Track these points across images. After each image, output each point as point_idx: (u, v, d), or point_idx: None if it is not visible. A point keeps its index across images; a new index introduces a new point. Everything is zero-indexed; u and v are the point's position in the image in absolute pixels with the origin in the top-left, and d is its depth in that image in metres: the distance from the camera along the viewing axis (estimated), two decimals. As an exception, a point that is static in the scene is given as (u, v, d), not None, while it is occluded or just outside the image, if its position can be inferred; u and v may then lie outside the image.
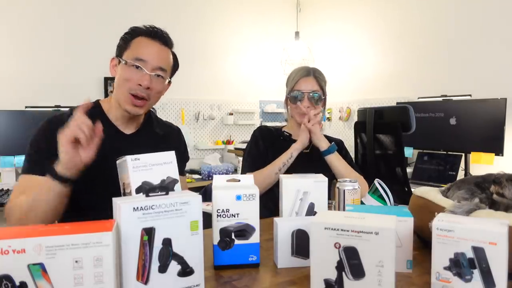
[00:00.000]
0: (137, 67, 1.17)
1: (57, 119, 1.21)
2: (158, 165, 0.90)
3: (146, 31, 1.21)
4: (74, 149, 1.01)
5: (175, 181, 0.78)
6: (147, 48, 1.19)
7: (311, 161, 1.64)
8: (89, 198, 1.18)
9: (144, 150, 1.21)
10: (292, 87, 1.67)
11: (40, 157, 1.16)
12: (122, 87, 1.19)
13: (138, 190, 0.87)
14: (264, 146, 1.67)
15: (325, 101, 1.72)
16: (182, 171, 1.47)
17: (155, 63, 1.18)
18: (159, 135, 1.34)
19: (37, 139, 1.19)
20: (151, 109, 1.38)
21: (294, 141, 1.65)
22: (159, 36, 1.22)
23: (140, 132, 1.30)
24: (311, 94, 1.63)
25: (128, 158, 0.88)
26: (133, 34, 1.22)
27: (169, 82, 1.30)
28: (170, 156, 0.92)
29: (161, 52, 1.21)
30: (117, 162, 0.93)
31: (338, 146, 1.70)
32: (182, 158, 1.45)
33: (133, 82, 1.17)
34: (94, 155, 1.18)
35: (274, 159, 1.60)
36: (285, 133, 1.73)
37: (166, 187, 0.76)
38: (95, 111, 1.25)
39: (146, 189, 0.76)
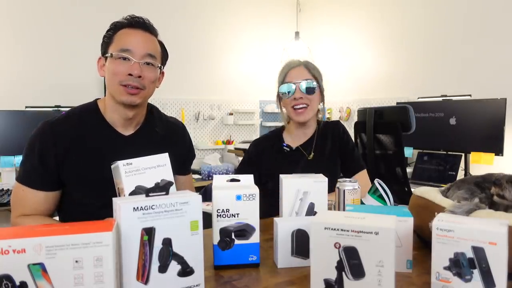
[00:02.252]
0: (124, 58, 1.13)
1: (51, 126, 1.17)
2: (152, 168, 0.89)
3: (127, 22, 1.18)
4: None
5: (170, 183, 0.78)
6: (131, 37, 1.16)
7: (314, 166, 1.52)
8: (89, 202, 1.17)
9: (144, 151, 1.19)
10: (282, 81, 1.54)
11: (35, 171, 1.15)
12: (113, 81, 1.15)
13: (132, 195, 0.86)
14: (252, 170, 1.41)
15: (323, 94, 1.59)
16: (187, 170, 1.43)
17: (142, 51, 1.15)
18: (160, 135, 1.29)
19: (32, 149, 1.16)
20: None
21: (296, 153, 1.57)
22: (141, 25, 1.19)
23: (140, 133, 1.25)
24: (302, 83, 1.50)
25: (120, 163, 0.87)
26: (115, 29, 1.19)
27: (162, 71, 1.26)
28: (163, 159, 0.91)
29: (146, 39, 1.18)
30: (112, 167, 0.93)
31: (337, 129, 1.63)
32: (187, 156, 1.41)
33: (122, 73, 1.13)
34: (93, 162, 1.17)
35: (273, 171, 1.45)
36: (284, 147, 1.60)
37: (165, 187, 0.76)
38: (91, 114, 1.22)
39: (140, 193, 0.75)
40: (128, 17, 1.19)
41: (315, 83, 1.53)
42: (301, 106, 1.52)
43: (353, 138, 2.59)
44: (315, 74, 1.55)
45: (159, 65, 1.21)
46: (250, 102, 4.13)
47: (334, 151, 1.61)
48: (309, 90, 1.51)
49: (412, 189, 1.98)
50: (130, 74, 1.13)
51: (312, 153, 1.59)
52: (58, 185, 1.18)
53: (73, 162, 1.16)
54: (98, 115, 1.21)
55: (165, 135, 1.30)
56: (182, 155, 1.36)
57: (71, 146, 1.16)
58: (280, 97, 1.58)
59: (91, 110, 1.23)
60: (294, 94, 1.51)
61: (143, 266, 0.71)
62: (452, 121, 2.77)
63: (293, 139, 1.62)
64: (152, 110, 1.32)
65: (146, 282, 0.71)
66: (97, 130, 1.20)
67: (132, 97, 1.15)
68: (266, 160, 1.60)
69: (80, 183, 1.18)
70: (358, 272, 0.70)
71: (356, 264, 0.70)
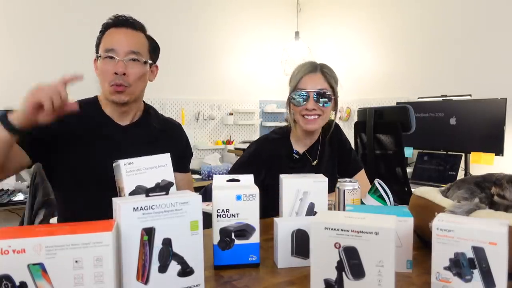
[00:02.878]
0: (110, 57, 1.19)
1: None
2: (153, 168, 0.89)
3: (112, 22, 1.24)
4: (35, 110, 0.97)
5: (170, 184, 0.78)
6: (115, 36, 1.21)
7: (318, 171, 1.41)
8: (87, 193, 1.20)
9: (141, 142, 1.23)
10: (295, 86, 1.44)
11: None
12: (103, 81, 1.22)
13: (132, 195, 0.86)
14: (251, 170, 1.32)
15: (336, 102, 1.50)
16: (185, 168, 1.45)
17: (125, 48, 1.19)
18: (157, 129, 1.33)
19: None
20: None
21: (302, 158, 1.51)
22: (124, 22, 1.24)
23: (137, 124, 1.30)
24: (316, 93, 1.40)
25: (121, 162, 0.87)
26: (104, 30, 1.25)
27: (155, 65, 1.31)
28: (165, 159, 0.91)
29: (129, 36, 1.22)
30: (113, 165, 0.93)
31: (334, 129, 1.56)
32: (184, 154, 1.43)
33: (109, 73, 1.19)
34: (91, 150, 1.18)
35: (277, 176, 1.21)
36: (294, 155, 1.52)
37: (165, 187, 0.76)
38: (91, 105, 1.28)
39: (140, 193, 0.75)
40: (113, 16, 1.25)
41: (330, 93, 1.43)
42: (312, 117, 1.43)
43: (353, 138, 2.62)
44: (331, 82, 1.45)
45: (145, 60, 1.24)
46: (250, 102, 4.13)
47: (333, 152, 1.61)
48: (323, 101, 1.41)
49: (412, 189, 1.98)
50: (115, 73, 1.18)
51: (317, 160, 1.56)
52: (29, 148, 1.13)
53: (72, 150, 1.20)
54: (97, 106, 1.28)
55: (161, 130, 1.35)
56: (179, 151, 1.38)
57: (71, 135, 1.21)
58: (290, 100, 1.48)
59: (90, 102, 1.30)
60: (307, 104, 1.41)
61: (143, 266, 0.71)
62: (452, 121, 2.77)
63: (299, 144, 1.56)
64: (149, 111, 1.36)
65: (146, 282, 0.71)
66: (97, 120, 1.26)
67: (119, 96, 1.20)
68: (274, 164, 1.48)
69: (79, 172, 1.21)
70: (358, 272, 0.70)
71: (356, 264, 0.70)
